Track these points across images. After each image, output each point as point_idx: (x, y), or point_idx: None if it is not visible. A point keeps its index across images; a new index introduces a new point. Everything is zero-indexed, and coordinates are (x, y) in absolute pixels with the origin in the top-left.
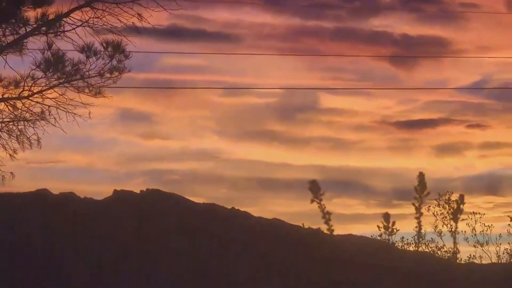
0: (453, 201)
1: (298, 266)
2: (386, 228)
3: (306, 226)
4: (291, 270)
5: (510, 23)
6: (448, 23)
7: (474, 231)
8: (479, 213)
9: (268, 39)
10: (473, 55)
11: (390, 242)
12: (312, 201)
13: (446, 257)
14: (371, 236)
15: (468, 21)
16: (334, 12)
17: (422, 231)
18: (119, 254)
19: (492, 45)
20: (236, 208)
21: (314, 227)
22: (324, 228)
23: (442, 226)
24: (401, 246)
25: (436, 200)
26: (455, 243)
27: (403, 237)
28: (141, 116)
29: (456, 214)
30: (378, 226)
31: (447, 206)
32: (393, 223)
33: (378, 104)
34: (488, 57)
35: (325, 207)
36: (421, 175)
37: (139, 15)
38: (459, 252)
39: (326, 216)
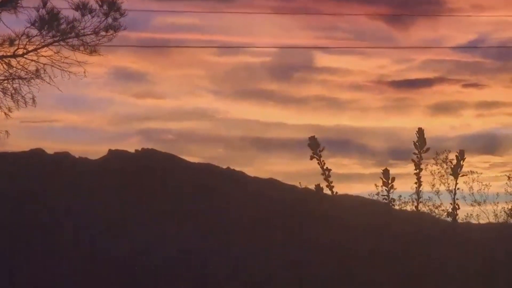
0: (450, 160)
1: (296, 225)
2: (385, 184)
3: (302, 186)
4: (289, 229)
5: None
6: None
7: (471, 189)
8: (477, 172)
9: None
10: (469, 14)
11: (390, 199)
12: (311, 157)
13: (444, 216)
14: (369, 195)
15: None
16: None
17: (420, 189)
18: (119, 214)
19: (488, 3)
20: (232, 168)
21: (310, 186)
22: (323, 184)
23: (440, 185)
24: (399, 205)
25: (433, 159)
26: (454, 200)
27: (400, 196)
28: (136, 75)
29: (456, 169)
30: (375, 184)
31: (445, 165)
32: (393, 179)
33: (373, 64)
34: (484, 16)
35: (324, 163)
36: (420, 131)
37: None
38: (459, 208)
39: (326, 173)
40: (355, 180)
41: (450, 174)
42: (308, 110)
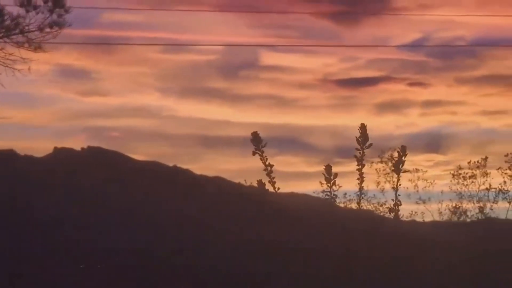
0: (394, 157)
1: (243, 222)
2: (328, 180)
3: (247, 183)
4: (236, 225)
5: None
6: None
7: (416, 187)
8: (421, 170)
9: None
10: (414, 13)
11: (332, 196)
12: (254, 153)
13: (388, 213)
14: (313, 193)
15: None
16: None
17: (365, 188)
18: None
19: (433, 2)
20: (178, 165)
21: (256, 184)
22: (265, 179)
23: (385, 182)
24: (344, 203)
25: (378, 156)
26: (396, 196)
27: (345, 193)
28: (81, 72)
29: (398, 165)
30: (320, 182)
31: (389, 163)
32: (335, 175)
33: (320, 62)
34: (429, 15)
35: (266, 159)
36: (363, 126)
37: None
38: (401, 204)
39: (268, 168)
40: (302, 178)
41: (392, 170)
42: (255, 108)
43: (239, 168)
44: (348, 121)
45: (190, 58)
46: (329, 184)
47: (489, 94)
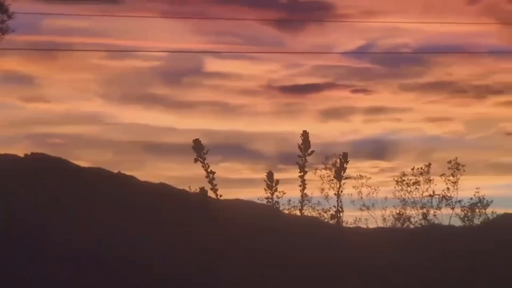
0: (337, 164)
1: (186, 227)
2: (269, 187)
3: (192, 190)
4: (179, 230)
5: None
6: None
7: (360, 194)
8: (365, 176)
9: (152, 1)
10: (357, 20)
11: (275, 202)
12: (195, 160)
13: (331, 220)
14: (258, 199)
15: None
16: None
17: (309, 195)
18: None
19: (377, 9)
20: (122, 172)
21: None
22: (208, 187)
23: (329, 189)
24: (288, 210)
25: (322, 163)
26: (338, 202)
27: (290, 200)
28: (24, 78)
29: (339, 172)
30: (264, 189)
31: (334, 170)
32: (277, 182)
33: (263, 68)
34: (373, 22)
35: (208, 166)
36: (305, 133)
37: None
38: (342, 211)
39: (210, 175)
40: (247, 185)
41: (334, 177)
42: (199, 114)
43: (184, 175)
44: (293, 127)
45: (134, 64)
46: (270, 191)
47: (433, 101)
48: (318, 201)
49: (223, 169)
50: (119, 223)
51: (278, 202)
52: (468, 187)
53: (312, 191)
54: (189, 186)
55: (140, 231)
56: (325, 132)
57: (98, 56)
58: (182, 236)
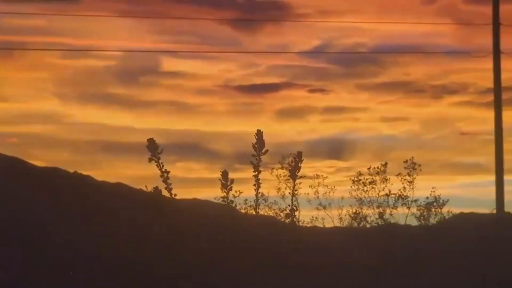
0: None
1: (142, 227)
2: (224, 186)
3: (148, 189)
4: (136, 230)
5: None
6: None
7: (317, 193)
8: (322, 176)
9: (109, 0)
10: (314, 20)
11: (229, 201)
12: (150, 159)
13: (286, 219)
14: (215, 199)
15: None
16: None
17: (266, 194)
18: None
19: (333, 9)
20: (79, 172)
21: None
22: (162, 186)
23: (285, 188)
24: (245, 209)
25: (279, 162)
26: (292, 201)
27: (246, 199)
28: None
29: (294, 171)
30: (221, 188)
31: (289, 169)
32: (232, 181)
33: (220, 68)
34: (330, 22)
35: (163, 165)
36: (259, 133)
37: None
38: (296, 209)
39: (165, 175)
40: (205, 185)
41: (289, 176)
42: (156, 114)
43: (140, 174)
44: (250, 127)
45: (91, 63)
46: (225, 190)
47: (389, 101)
48: (275, 201)
49: (180, 168)
50: (74, 223)
51: (233, 201)
52: (424, 187)
53: (269, 190)
54: (146, 186)
55: (94, 230)
56: (282, 131)
57: (54, 55)
58: (134, 235)
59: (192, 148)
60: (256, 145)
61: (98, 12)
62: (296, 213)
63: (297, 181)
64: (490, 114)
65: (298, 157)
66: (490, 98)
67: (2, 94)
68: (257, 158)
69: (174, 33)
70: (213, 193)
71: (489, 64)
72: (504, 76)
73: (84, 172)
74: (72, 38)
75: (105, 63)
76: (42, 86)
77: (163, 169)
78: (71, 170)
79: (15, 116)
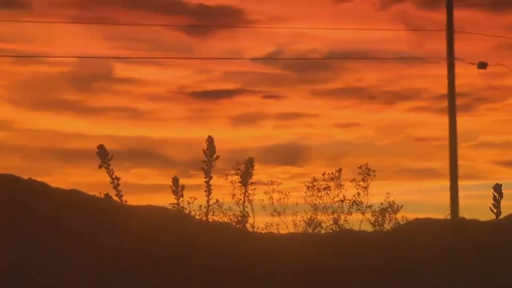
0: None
1: (90, 234)
2: (174, 192)
3: (102, 195)
4: (83, 238)
5: None
6: None
7: (271, 199)
8: (276, 182)
9: (61, 7)
10: (267, 26)
11: (180, 208)
12: (100, 166)
13: (238, 225)
14: (170, 206)
15: None
16: None
17: (221, 200)
18: None
19: (286, 16)
20: (34, 178)
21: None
22: (113, 193)
23: (240, 194)
24: (199, 215)
25: (234, 168)
26: (244, 207)
27: (201, 206)
28: None
29: (245, 177)
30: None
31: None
32: (182, 187)
33: (173, 74)
34: (282, 28)
35: (113, 172)
36: (210, 138)
37: None
38: (248, 216)
39: (115, 181)
40: (157, 191)
41: (239, 182)
42: (108, 120)
43: (96, 180)
44: (203, 133)
45: (42, 69)
46: (176, 196)
47: (343, 107)
48: (229, 207)
49: (133, 175)
50: (32, 232)
51: (183, 208)
52: (379, 193)
53: (223, 197)
54: (100, 192)
55: (50, 239)
56: (236, 137)
57: (5, 61)
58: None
59: (145, 154)
60: (207, 151)
61: (49, 18)
62: (250, 219)
63: (251, 187)
64: (444, 120)
65: (249, 163)
66: (444, 104)
67: None
68: (208, 164)
69: (126, 39)
70: (166, 200)
71: (442, 70)
72: (458, 82)
73: (39, 179)
74: (24, 44)
75: (57, 69)
76: None
77: (114, 176)
78: (25, 177)
79: None
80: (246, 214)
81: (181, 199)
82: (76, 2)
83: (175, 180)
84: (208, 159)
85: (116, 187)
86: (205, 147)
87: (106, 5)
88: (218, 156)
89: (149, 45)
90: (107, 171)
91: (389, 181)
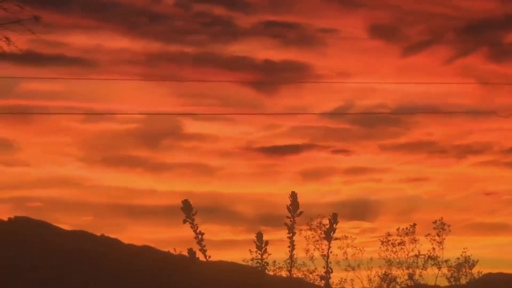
0: (324, 224)
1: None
2: (259, 248)
3: (176, 252)
4: None
5: (369, 49)
6: (308, 49)
7: (345, 254)
8: (350, 237)
9: (128, 64)
10: (333, 81)
11: (263, 264)
12: (184, 221)
13: (318, 281)
14: (243, 261)
15: (328, 46)
16: (194, 37)
17: (294, 253)
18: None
19: (352, 71)
20: (106, 235)
21: (184, 252)
22: (196, 248)
23: (314, 250)
24: (273, 271)
25: (307, 224)
26: (327, 263)
27: (275, 261)
28: (1, 143)
29: (329, 233)
30: (250, 250)
31: (318, 230)
32: (266, 243)
33: (241, 130)
34: (349, 83)
35: (197, 226)
36: (293, 194)
37: (7, 38)
38: (332, 271)
39: (199, 237)
40: (228, 247)
41: (323, 238)
42: (177, 176)
43: (167, 237)
44: (272, 189)
45: (111, 127)
46: (260, 252)
47: (411, 161)
48: (303, 262)
49: (203, 231)
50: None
51: (267, 263)
52: (453, 247)
53: (297, 252)
54: (174, 248)
55: None
56: (305, 193)
57: (74, 119)
58: None
59: (214, 210)
60: (290, 207)
61: (117, 76)
62: (330, 275)
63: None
64: None
65: (334, 219)
66: None
67: (23, 159)
68: (292, 219)
69: (194, 96)
70: (238, 255)
71: None
72: None
73: (111, 236)
74: (93, 102)
75: (126, 126)
76: (63, 150)
77: (198, 231)
78: (98, 233)
79: (38, 180)
80: (330, 269)
81: (265, 254)
82: (143, 59)
83: (259, 236)
84: (291, 214)
85: (200, 242)
86: (276, 202)
87: (173, 62)
88: (301, 212)
89: (216, 101)
90: (191, 226)
91: (462, 236)
